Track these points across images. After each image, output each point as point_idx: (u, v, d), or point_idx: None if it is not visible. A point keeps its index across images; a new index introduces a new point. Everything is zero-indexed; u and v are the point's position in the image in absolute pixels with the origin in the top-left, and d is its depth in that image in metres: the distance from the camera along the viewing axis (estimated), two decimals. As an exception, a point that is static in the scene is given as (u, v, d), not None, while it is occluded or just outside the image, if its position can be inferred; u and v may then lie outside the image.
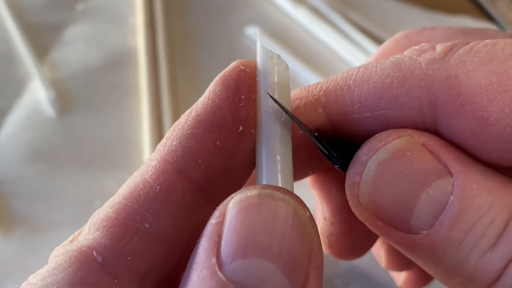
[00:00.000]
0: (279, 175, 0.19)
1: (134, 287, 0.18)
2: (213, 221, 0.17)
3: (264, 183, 0.19)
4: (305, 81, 0.60)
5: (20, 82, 0.56)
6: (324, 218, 0.25)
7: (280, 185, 0.19)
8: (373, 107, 0.19)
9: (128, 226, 0.18)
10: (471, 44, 0.18)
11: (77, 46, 0.60)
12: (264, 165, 0.19)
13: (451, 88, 0.18)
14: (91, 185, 0.47)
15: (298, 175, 0.24)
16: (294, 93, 0.22)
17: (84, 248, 0.18)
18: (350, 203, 0.20)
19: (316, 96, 0.21)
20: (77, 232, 0.19)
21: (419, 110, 0.19)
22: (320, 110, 0.21)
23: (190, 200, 0.19)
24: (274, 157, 0.19)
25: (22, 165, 0.48)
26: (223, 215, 0.17)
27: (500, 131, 0.18)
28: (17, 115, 0.53)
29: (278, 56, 0.21)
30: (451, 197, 0.18)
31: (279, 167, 0.19)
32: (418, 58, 0.19)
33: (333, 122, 0.21)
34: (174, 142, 0.20)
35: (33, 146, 0.50)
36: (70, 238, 0.19)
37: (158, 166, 0.19)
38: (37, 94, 0.55)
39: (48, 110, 0.53)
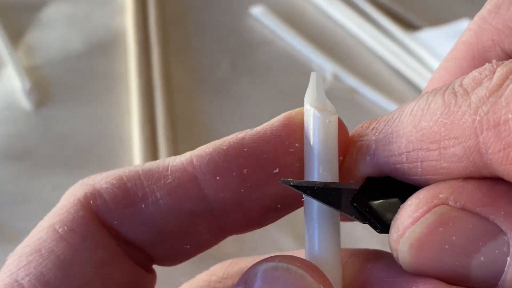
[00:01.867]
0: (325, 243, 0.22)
1: None
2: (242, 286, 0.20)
3: (314, 248, 0.22)
4: (319, 68, 0.60)
5: (-9, 70, 0.56)
6: None
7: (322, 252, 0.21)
8: (422, 157, 0.20)
9: None
10: None
11: (56, 28, 0.60)
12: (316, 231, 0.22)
13: (500, 137, 0.18)
14: (72, 188, 0.47)
15: None
16: (352, 134, 0.24)
17: None
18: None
19: (368, 143, 0.22)
20: None
21: (471, 161, 0.19)
22: (368, 158, 0.22)
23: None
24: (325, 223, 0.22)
25: (-8, 165, 0.48)
26: (245, 283, 0.20)
27: None
28: (-13, 107, 0.53)
29: (330, 111, 0.22)
30: (508, 259, 0.18)
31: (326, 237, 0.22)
32: (470, 95, 0.19)
33: (382, 171, 0.22)
34: (208, 150, 0.22)
35: (5, 144, 0.50)
36: None
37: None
38: (10, 83, 0.54)
39: (23, 101, 0.53)
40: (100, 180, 0.22)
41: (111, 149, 0.51)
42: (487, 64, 0.19)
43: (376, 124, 0.22)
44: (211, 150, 0.22)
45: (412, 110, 0.20)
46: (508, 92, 0.18)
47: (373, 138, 0.22)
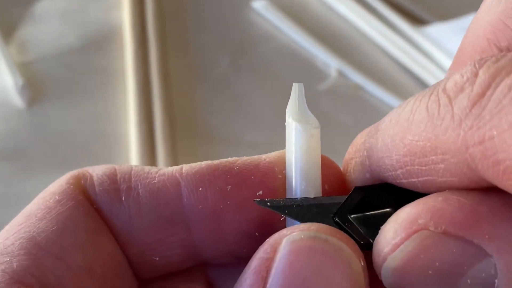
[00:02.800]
0: None
1: None
2: (263, 255, 0.19)
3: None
4: (324, 65, 0.60)
5: (-18, 66, 0.56)
6: None
7: None
8: (415, 174, 0.20)
9: None
10: None
11: (49, 22, 0.60)
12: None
13: (487, 155, 0.17)
14: (67, 189, 0.47)
15: None
16: (348, 152, 0.24)
17: None
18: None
19: (361, 158, 0.22)
20: None
21: (464, 175, 0.19)
22: (368, 175, 0.22)
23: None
24: None
25: (-16, 165, 0.48)
26: (274, 252, 0.19)
27: None
28: (-22, 105, 0.53)
29: (312, 124, 0.23)
30: (496, 281, 0.18)
31: None
32: (453, 104, 0.18)
33: (383, 182, 0.22)
34: (200, 164, 0.23)
35: (-3, 142, 0.50)
36: None
37: None
38: (2, 80, 0.54)
39: (15, 99, 0.53)
40: (95, 168, 0.24)
41: (107, 148, 0.51)
42: (469, 64, 0.19)
43: (367, 136, 0.22)
44: (202, 164, 0.23)
45: (398, 121, 0.20)
46: (491, 104, 0.17)
47: (365, 154, 0.22)
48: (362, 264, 0.19)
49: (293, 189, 0.22)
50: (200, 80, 0.58)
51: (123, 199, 0.23)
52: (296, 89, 0.23)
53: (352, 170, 0.23)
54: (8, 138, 0.50)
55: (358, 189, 0.22)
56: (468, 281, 0.18)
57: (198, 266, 0.24)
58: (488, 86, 0.18)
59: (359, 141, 0.23)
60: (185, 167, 0.23)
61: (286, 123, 0.23)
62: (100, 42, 0.59)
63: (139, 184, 0.23)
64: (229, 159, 0.23)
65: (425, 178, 0.19)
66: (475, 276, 0.18)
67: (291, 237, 0.19)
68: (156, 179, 0.23)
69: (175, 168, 0.23)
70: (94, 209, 0.23)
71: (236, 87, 0.57)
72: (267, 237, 0.22)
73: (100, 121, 0.53)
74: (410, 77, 0.60)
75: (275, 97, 0.56)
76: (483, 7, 0.23)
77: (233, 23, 0.63)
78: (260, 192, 0.22)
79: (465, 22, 0.62)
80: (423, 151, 0.19)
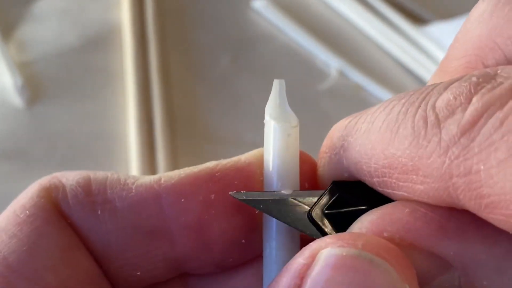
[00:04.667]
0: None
1: None
2: (301, 260, 0.18)
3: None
4: (324, 64, 0.60)
5: (-19, 65, 0.56)
6: None
7: None
8: (392, 186, 0.20)
9: None
10: (506, 108, 0.17)
11: (49, 22, 0.60)
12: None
13: (471, 188, 0.17)
14: (66, 189, 0.47)
15: None
16: (323, 145, 0.23)
17: None
18: None
19: (337, 156, 0.22)
20: None
21: (443, 200, 0.18)
22: (346, 174, 0.22)
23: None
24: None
25: (-18, 165, 0.48)
26: (312, 259, 0.18)
27: None
28: (-23, 105, 0.53)
29: (291, 122, 0.22)
30: None
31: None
32: (441, 128, 0.18)
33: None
34: (178, 173, 0.22)
35: (-4, 142, 0.50)
36: None
37: None
38: (1, 79, 0.54)
39: (15, 99, 0.53)
40: (69, 176, 0.23)
41: (106, 148, 0.51)
42: (463, 81, 0.18)
43: (345, 132, 0.21)
44: (181, 173, 0.22)
45: (380, 128, 0.19)
46: (481, 138, 0.17)
47: (342, 153, 0.21)
48: None
49: (269, 189, 0.22)
50: (200, 79, 0.58)
51: (99, 212, 0.22)
52: (276, 86, 0.23)
53: (325, 166, 0.22)
54: (7, 138, 0.50)
55: (335, 184, 0.21)
56: None
57: (179, 276, 0.24)
58: (480, 116, 0.17)
59: (335, 134, 0.22)
60: (164, 178, 0.22)
61: (264, 121, 0.22)
62: (100, 42, 0.59)
63: (116, 197, 0.22)
64: (209, 164, 0.22)
65: (401, 193, 0.19)
66: (439, 287, 0.19)
67: (331, 251, 0.18)
68: (134, 191, 0.22)
69: (153, 178, 0.22)
70: (68, 223, 0.22)
71: (236, 87, 0.57)
72: (255, 245, 0.22)
73: (99, 120, 0.53)
74: (411, 76, 0.60)
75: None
76: (474, 15, 0.23)
77: (233, 23, 0.63)
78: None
79: (466, 21, 0.62)
80: (404, 168, 0.19)
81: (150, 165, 0.49)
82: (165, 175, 0.22)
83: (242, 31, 0.62)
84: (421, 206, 0.19)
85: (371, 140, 0.20)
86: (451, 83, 0.19)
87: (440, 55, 0.60)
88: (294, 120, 0.22)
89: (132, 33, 0.59)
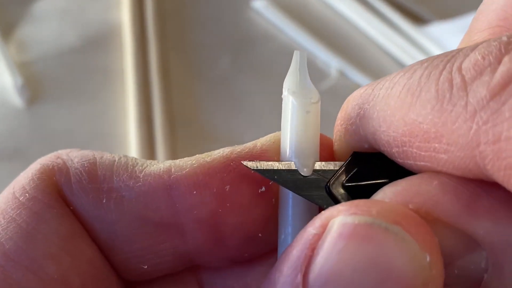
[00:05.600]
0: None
1: None
2: (311, 230, 0.17)
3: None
4: (324, 64, 0.60)
5: (-19, 65, 0.56)
6: None
7: None
8: (413, 157, 0.18)
9: None
10: None
11: (49, 22, 0.60)
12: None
13: (501, 157, 0.16)
14: (66, 189, 0.47)
15: None
16: (337, 119, 0.21)
17: None
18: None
19: (354, 126, 0.20)
20: None
21: (468, 170, 0.17)
22: (366, 146, 0.20)
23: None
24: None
25: (-18, 165, 0.48)
26: (324, 228, 0.17)
27: None
28: (-23, 105, 0.53)
29: (311, 98, 0.20)
30: (485, 275, 0.17)
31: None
32: (468, 91, 0.16)
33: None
34: (190, 162, 0.21)
35: (-4, 142, 0.50)
36: None
37: None
38: (1, 79, 0.54)
39: (15, 98, 0.53)
40: (74, 157, 0.21)
41: (106, 148, 0.51)
42: (492, 41, 0.17)
43: (361, 100, 0.20)
44: (193, 161, 0.21)
45: (400, 93, 0.18)
46: None
47: (358, 122, 0.20)
48: (429, 259, 0.16)
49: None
50: (200, 79, 0.58)
51: (104, 201, 0.20)
52: (297, 58, 0.20)
53: (341, 138, 0.21)
54: (7, 137, 0.50)
55: (355, 155, 0.20)
56: (455, 271, 0.17)
57: (190, 269, 0.22)
58: (510, 80, 0.16)
59: (349, 104, 0.20)
60: (175, 167, 0.21)
61: (282, 96, 0.20)
62: (100, 42, 0.59)
63: (123, 186, 0.20)
64: (222, 151, 0.21)
65: (423, 163, 0.18)
66: (464, 267, 0.17)
67: (343, 219, 0.17)
68: (141, 180, 0.20)
69: (162, 167, 0.21)
70: (70, 210, 0.20)
71: (236, 87, 0.57)
72: (272, 237, 0.20)
73: (99, 120, 0.53)
74: (411, 76, 0.60)
75: (275, 96, 0.56)
76: None
77: (233, 23, 0.63)
78: (263, 189, 0.20)
79: (466, 21, 0.62)
80: (426, 135, 0.17)
81: (150, 165, 0.49)
82: (176, 164, 0.21)
83: (242, 31, 0.62)
84: (451, 179, 0.17)
85: (390, 106, 0.18)
86: (478, 44, 0.17)
87: (440, 55, 0.60)
88: (315, 95, 0.20)
89: (132, 33, 0.59)
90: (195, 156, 0.21)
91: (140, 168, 0.21)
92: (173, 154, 0.50)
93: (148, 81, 0.55)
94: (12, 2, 0.61)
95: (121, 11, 0.62)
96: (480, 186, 0.17)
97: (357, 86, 0.59)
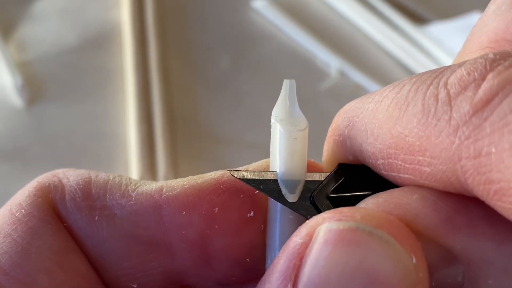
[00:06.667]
0: None
1: None
2: (298, 239, 0.17)
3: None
4: (324, 64, 0.60)
5: (-19, 65, 0.56)
6: None
7: None
8: (397, 169, 0.18)
9: None
10: None
11: (48, 21, 0.60)
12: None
13: (481, 171, 0.16)
14: (66, 189, 0.47)
15: None
16: (328, 131, 0.22)
17: None
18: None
19: (341, 138, 0.21)
20: None
21: (449, 184, 0.17)
22: (350, 157, 0.21)
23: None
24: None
25: (-18, 165, 0.48)
26: (310, 237, 0.17)
27: None
28: (-24, 105, 0.53)
29: (298, 126, 0.20)
30: None
31: None
32: (452, 106, 0.17)
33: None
34: (181, 182, 0.21)
35: (-4, 142, 0.50)
36: None
37: None
38: (1, 79, 0.54)
39: (14, 98, 0.53)
40: (70, 176, 0.22)
41: (106, 149, 0.50)
42: (480, 57, 0.17)
43: (350, 113, 0.20)
44: (185, 182, 0.21)
45: (389, 107, 0.18)
46: (495, 118, 0.16)
47: (346, 133, 0.20)
48: (414, 261, 0.17)
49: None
50: (200, 79, 0.58)
51: (96, 218, 0.21)
52: (286, 86, 0.21)
53: (329, 150, 0.21)
54: (7, 137, 0.50)
55: (341, 166, 0.20)
56: (433, 283, 0.18)
57: None
58: (495, 94, 0.16)
59: (340, 116, 0.21)
60: (166, 187, 0.21)
61: (270, 124, 0.21)
62: (100, 41, 0.59)
63: (115, 204, 0.21)
64: (214, 174, 0.21)
65: (406, 176, 0.18)
66: (441, 280, 0.18)
67: (328, 226, 0.17)
68: (133, 199, 0.21)
69: (154, 186, 0.21)
70: (64, 226, 0.21)
71: (236, 87, 0.57)
72: (260, 263, 0.21)
73: (99, 121, 0.53)
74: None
75: (275, 96, 0.56)
76: (491, 8, 0.22)
77: (233, 22, 0.63)
78: (251, 214, 0.21)
79: (466, 21, 0.62)
80: (410, 148, 0.18)
81: (150, 165, 0.49)
82: (168, 184, 0.21)
83: (242, 31, 0.62)
84: (432, 193, 0.18)
85: (378, 119, 0.19)
86: (466, 61, 0.17)
87: (440, 55, 0.60)
88: (302, 123, 0.20)
89: (132, 33, 0.59)
90: (187, 177, 0.21)
91: (133, 187, 0.21)
92: (173, 154, 0.50)
93: (148, 81, 0.55)
94: (12, 2, 0.61)
95: (121, 11, 0.62)
96: (460, 202, 0.18)
97: (357, 86, 0.59)
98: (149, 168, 0.48)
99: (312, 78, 0.58)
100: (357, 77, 0.59)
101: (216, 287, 0.22)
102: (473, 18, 0.61)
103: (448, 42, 0.61)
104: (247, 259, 0.21)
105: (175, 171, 0.48)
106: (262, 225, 0.21)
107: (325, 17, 0.65)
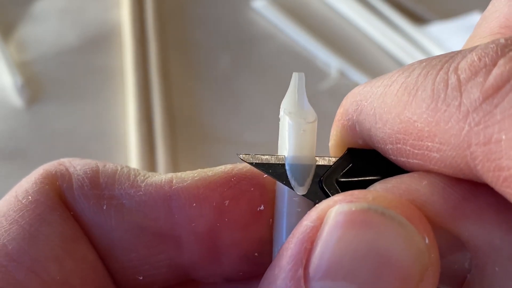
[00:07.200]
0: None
1: None
2: (308, 223, 0.17)
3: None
4: (324, 64, 0.60)
5: (-19, 65, 0.56)
6: None
7: None
8: (406, 154, 0.18)
9: None
10: None
11: (49, 21, 0.60)
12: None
13: (490, 158, 0.16)
14: (66, 189, 0.47)
15: None
16: (336, 115, 0.22)
17: None
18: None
19: (350, 122, 0.20)
20: None
21: (459, 170, 0.17)
22: (360, 142, 0.20)
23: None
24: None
25: (-18, 165, 0.48)
26: (321, 220, 0.17)
27: None
28: (-24, 105, 0.53)
29: (306, 118, 0.20)
30: (468, 275, 0.17)
31: None
32: (462, 91, 0.17)
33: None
34: (192, 175, 0.21)
35: (-4, 142, 0.50)
36: None
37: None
38: (1, 79, 0.54)
39: (14, 98, 0.53)
40: (76, 164, 0.22)
41: (106, 148, 0.51)
42: (491, 43, 0.17)
43: (358, 97, 0.20)
44: (195, 174, 0.21)
45: (397, 91, 0.18)
46: (506, 103, 0.16)
47: (355, 118, 0.20)
48: (427, 241, 0.17)
49: (283, 189, 0.20)
50: (200, 79, 0.58)
51: (104, 208, 0.20)
52: (295, 79, 0.21)
53: (337, 134, 0.21)
54: (7, 137, 0.50)
55: (350, 151, 0.20)
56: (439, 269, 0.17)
57: (185, 283, 0.22)
58: (506, 80, 0.16)
59: (348, 100, 0.21)
60: (176, 179, 0.21)
61: (279, 116, 0.21)
62: (100, 42, 0.59)
63: (124, 194, 0.20)
64: (224, 167, 0.21)
65: (415, 161, 0.18)
66: (448, 266, 0.17)
67: (340, 208, 0.17)
68: (143, 189, 0.21)
69: (164, 178, 0.21)
70: (71, 215, 0.20)
71: (236, 87, 0.57)
72: (268, 258, 0.20)
73: (99, 120, 0.53)
74: (411, 76, 0.60)
75: (275, 96, 0.56)
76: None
77: (233, 22, 0.63)
78: (262, 207, 0.21)
79: (466, 21, 0.62)
80: (419, 134, 0.17)
81: (150, 165, 0.49)
82: (178, 176, 0.21)
83: (242, 31, 0.62)
84: (441, 180, 0.18)
85: (386, 103, 0.18)
86: (477, 46, 0.17)
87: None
88: (311, 116, 0.20)
89: (132, 33, 0.59)
90: (197, 170, 0.21)
91: (142, 178, 0.21)
92: (173, 153, 0.50)
93: (148, 81, 0.55)
94: (12, 2, 0.61)
95: (121, 11, 0.62)
96: (469, 188, 0.17)
97: (357, 86, 0.58)
98: (149, 167, 0.48)
99: (312, 78, 0.58)
100: (357, 77, 0.59)
101: (223, 282, 0.22)
102: (473, 18, 0.61)
103: (448, 42, 0.61)
104: (256, 254, 0.21)
105: (175, 171, 0.48)
106: (270, 220, 0.21)
107: (325, 17, 0.65)
